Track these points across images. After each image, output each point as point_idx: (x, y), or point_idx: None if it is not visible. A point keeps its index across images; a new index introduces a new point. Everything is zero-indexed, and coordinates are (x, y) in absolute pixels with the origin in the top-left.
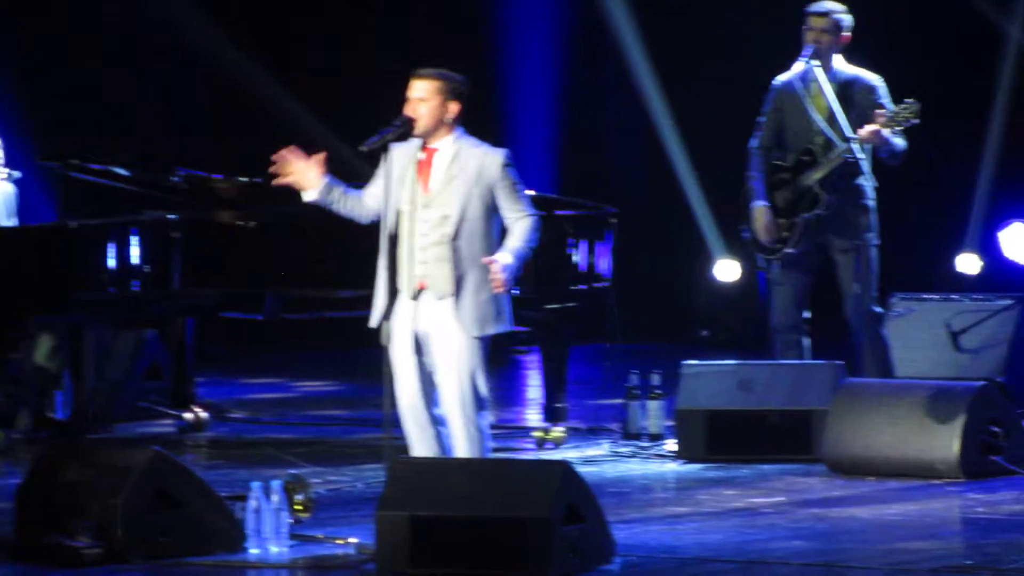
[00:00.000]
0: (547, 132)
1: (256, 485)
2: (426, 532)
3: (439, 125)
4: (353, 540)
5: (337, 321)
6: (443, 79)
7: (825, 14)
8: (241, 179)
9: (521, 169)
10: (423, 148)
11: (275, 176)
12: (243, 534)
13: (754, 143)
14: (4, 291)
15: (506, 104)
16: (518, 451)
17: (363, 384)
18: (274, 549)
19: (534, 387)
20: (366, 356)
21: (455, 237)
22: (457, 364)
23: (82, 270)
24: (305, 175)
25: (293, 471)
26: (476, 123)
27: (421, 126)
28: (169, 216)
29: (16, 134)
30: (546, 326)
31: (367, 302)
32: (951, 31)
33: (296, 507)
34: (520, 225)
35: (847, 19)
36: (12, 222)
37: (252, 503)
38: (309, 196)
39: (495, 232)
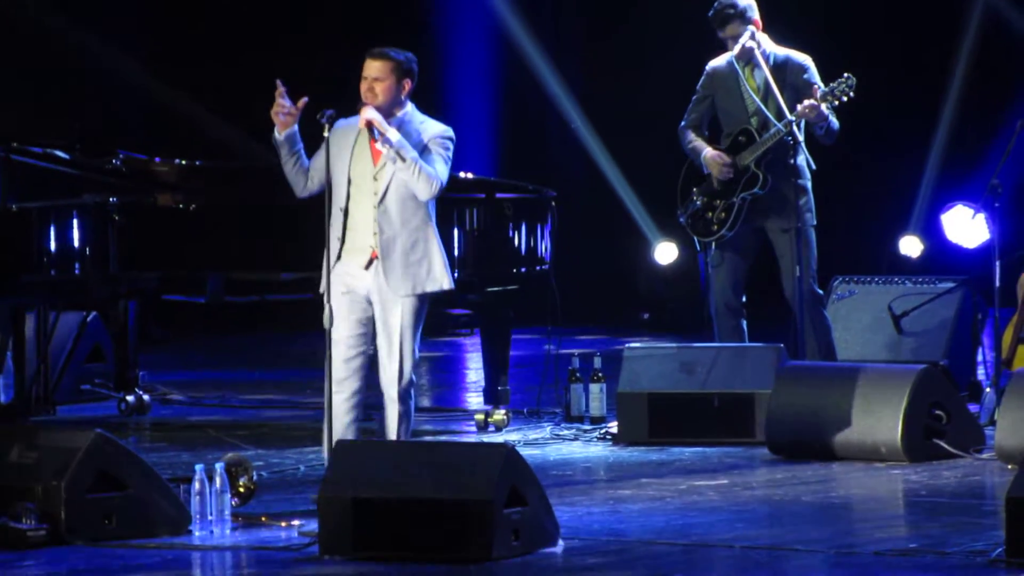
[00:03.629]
0: (487, 115)
1: (199, 468)
2: (368, 515)
3: (395, 103)
4: (296, 522)
5: (278, 304)
6: (397, 58)
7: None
8: (181, 162)
9: (462, 152)
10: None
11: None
12: (187, 516)
13: (683, 124)
14: None
15: (446, 86)
16: (460, 434)
17: (304, 367)
18: (217, 531)
19: (476, 370)
20: (307, 339)
21: (384, 200)
22: (399, 330)
23: (23, 253)
24: (290, 115)
25: (236, 453)
26: (416, 104)
27: (379, 104)
28: (110, 199)
29: None
30: (487, 309)
31: (309, 284)
32: (903, 8)
33: (239, 489)
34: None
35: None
36: None
37: (195, 485)
38: (281, 135)
39: (431, 205)
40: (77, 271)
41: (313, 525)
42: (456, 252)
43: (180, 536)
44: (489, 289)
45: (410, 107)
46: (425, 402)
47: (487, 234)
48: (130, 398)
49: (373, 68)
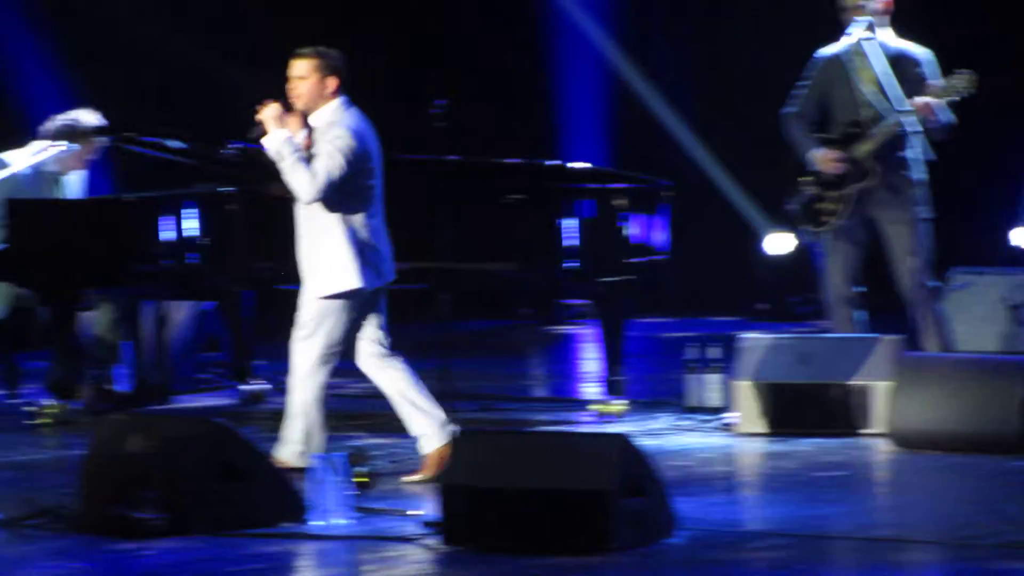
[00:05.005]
0: (601, 106)
1: (319, 457)
2: (488, 505)
3: (318, 100)
4: (416, 512)
5: (390, 292)
6: (319, 56)
7: None
8: None
9: (575, 143)
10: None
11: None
12: (306, 506)
13: (789, 110)
14: (63, 264)
15: (559, 79)
16: (577, 424)
17: (418, 357)
18: (337, 521)
19: (592, 360)
20: (419, 329)
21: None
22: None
23: (139, 243)
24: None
25: (355, 444)
26: (529, 97)
27: (303, 103)
28: (224, 189)
29: (72, 108)
30: (602, 299)
31: (419, 274)
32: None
33: (358, 480)
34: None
35: None
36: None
37: (315, 475)
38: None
39: (349, 198)
40: (194, 261)
41: (432, 515)
42: (570, 243)
43: (299, 526)
44: (604, 279)
45: (335, 104)
46: (541, 392)
47: (601, 225)
48: (247, 387)
49: (296, 67)
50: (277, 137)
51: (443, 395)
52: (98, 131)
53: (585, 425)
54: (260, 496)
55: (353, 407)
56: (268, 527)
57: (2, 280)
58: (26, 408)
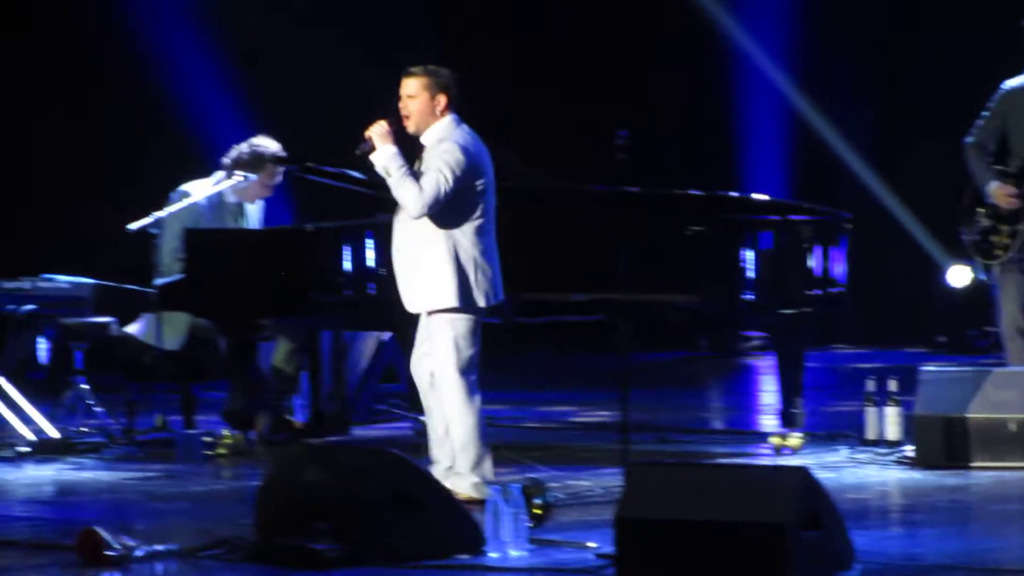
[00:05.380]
0: (781, 138)
1: (495, 489)
2: (665, 537)
3: (428, 118)
4: (592, 544)
5: (570, 325)
6: (428, 75)
7: None
8: None
9: (756, 174)
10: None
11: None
12: (482, 538)
13: (968, 139)
14: (243, 294)
15: (740, 110)
16: (755, 456)
17: (598, 387)
18: (513, 553)
19: (770, 392)
20: (600, 360)
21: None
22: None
23: (319, 273)
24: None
25: (531, 475)
26: (711, 128)
27: (413, 121)
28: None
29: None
30: (781, 331)
31: (600, 306)
32: None
33: (534, 511)
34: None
35: None
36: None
37: (490, 507)
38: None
39: (457, 215)
40: (373, 291)
41: (609, 547)
42: (750, 274)
43: (475, 557)
44: (783, 311)
45: (446, 121)
46: (719, 424)
47: (781, 256)
48: (424, 418)
49: (406, 86)
50: (384, 153)
51: (621, 426)
52: (278, 160)
53: (762, 457)
54: (436, 527)
55: (529, 438)
56: (444, 559)
57: (180, 310)
58: (204, 438)
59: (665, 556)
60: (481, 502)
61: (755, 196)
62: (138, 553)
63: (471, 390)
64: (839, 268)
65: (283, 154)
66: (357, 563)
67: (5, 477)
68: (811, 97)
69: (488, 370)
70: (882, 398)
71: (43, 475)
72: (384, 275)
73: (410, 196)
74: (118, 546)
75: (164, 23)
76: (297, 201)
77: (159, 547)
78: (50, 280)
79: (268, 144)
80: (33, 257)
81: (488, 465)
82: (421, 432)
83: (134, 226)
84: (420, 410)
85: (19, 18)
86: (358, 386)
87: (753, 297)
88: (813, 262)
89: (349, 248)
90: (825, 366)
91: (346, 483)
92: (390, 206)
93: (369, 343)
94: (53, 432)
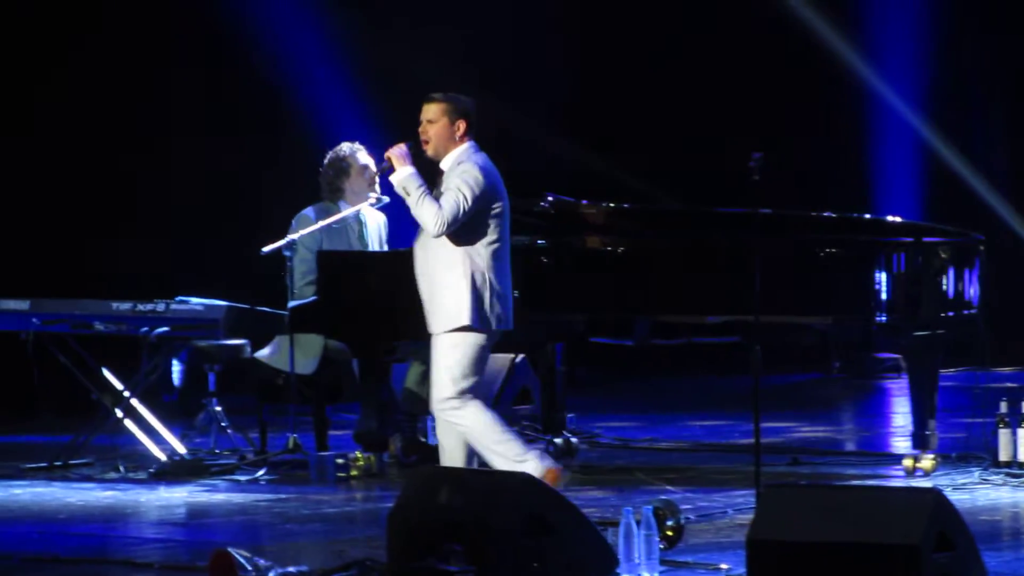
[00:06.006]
0: (913, 160)
1: (627, 511)
2: (797, 559)
3: (448, 143)
4: (724, 566)
5: (705, 347)
6: (448, 101)
7: None
8: (609, 204)
9: (889, 196)
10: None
11: None
12: (614, 560)
13: None
14: (374, 317)
15: (874, 133)
16: (887, 478)
17: (733, 410)
18: (645, 575)
19: (903, 414)
20: (735, 382)
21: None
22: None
23: None
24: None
25: (663, 497)
26: (843, 151)
27: (432, 146)
28: (538, 241)
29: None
30: (914, 353)
31: (734, 328)
32: None
33: (667, 533)
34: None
35: None
36: (383, 249)
37: (623, 529)
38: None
39: (473, 236)
40: None
41: (741, 569)
42: (883, 296)
43: None
44: (916, 333)
45: (465, 147)
46: (851, 446)
47: (915, 278)
48: (558, 440)
49: (426, 111)
50: (403, 173)
51: (754, 448)
52: (365, 167)
53: (895, 479)
54: (569, 550)
55: (662, 460)
56: None
57: (312, 332)
58: (336, 460)
59: None
60: (555, 472)
61: (889, 218)
62: (271, 575)
63: (470, 400)
64: (972, 290)
65: (369, 163)
66: None
67: (138, 499)
68: (943, 120)
69: (621, 391)
70: (1015, 420)
71: (176, 497)
72: (518, 297)
73: (429, 215)
74: (251, 568)
75: (304, 54)
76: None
77: (291, 569)
78: (184, 302)
79: (356, 150)
80: (167, 280)
81: (524, 446)
82: (554, 454)
83: (267, 249)
84: (554, 431)
85: (159, 51)
86: (491, 408)
87: (886, 319)
88: (947, 284)
89: None
90: (958, 387)
91: (479, 505)
92: (524, 229)
93: (502, 364)
94: (186, 454)
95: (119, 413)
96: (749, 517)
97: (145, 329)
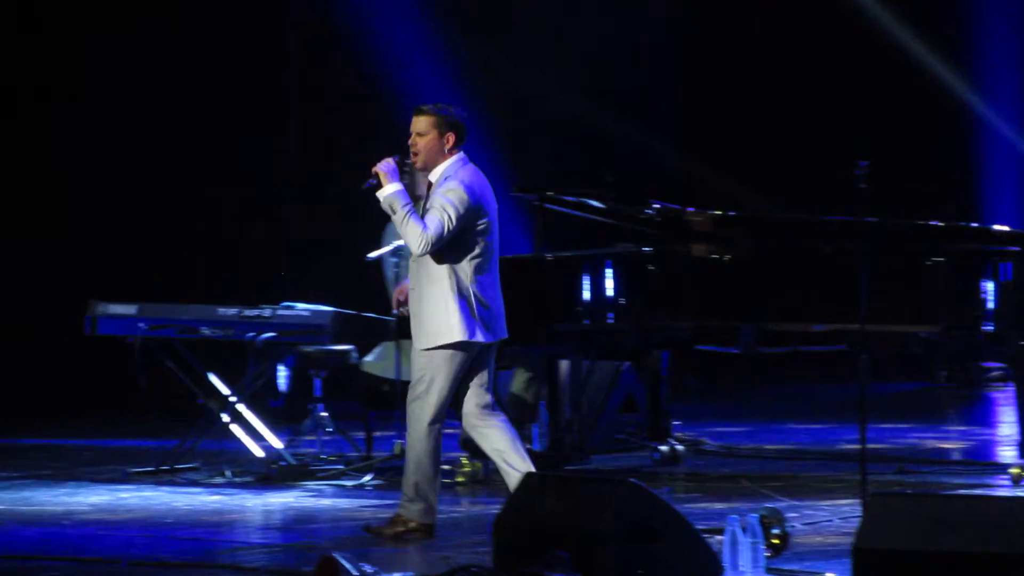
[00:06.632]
0: (1022, 168)
1: (732, 518)
2: (904, 567)
3: (437, 155)
4: (830, 575)
5: (811, 355)
6: (438, 114)
7: None
8: (715, 212)
9: (995, 205)
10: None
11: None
12: (719, 568)
13: None
14: None
15: (981, 142)
16: (994, 488)
17: (839, 419)
18: None
19: (1009, 423)
20: (841, 390)
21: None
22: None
23: (559, 302)
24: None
25: (769, 505)
26: (950, 159)
27: (421, 159)
28: (643, 249)
29: (491, 165)
30: (1020, 362)
31: (840, 336)
32: None
33: (772, 541)
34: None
35: None
36: None
37: (728, 537)
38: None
39: (460, 252)
40: (611, 320)
41: None
42: (990, 305)
43: None
44: (1023, 343)
45: (454, 160)
46: (957, 455)
47: (1022, 287)
48: (663, 448)
49: (416, 123)
50: (389, 190)
51: (860, 456)
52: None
53: (1001, 488)
54: (674, 557)
55: (768, 468)
56: None
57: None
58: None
59: None
60: (428, 528)
61: (996, 227)
62: None
63: (436, 420)
64: None
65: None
66: None
67: (244, 503)
68: None
69: (728, 399)
70: None
71: (281, 502)
72: (623, 304)
73: (413, 235)
74: (356, 573)
75: (403, 60)
76: (537, 230)
77: (397, 575)
78: (290, 308)
79: None
80: (274, 285)
81: (431, 495)
82: (660, 461)
83: (373, 255)
84: (660, 439)
85: (272, 53)
86: (597, 415)
87: (993, 328)
88: None
89: (588, 277)
90: None
91: (585, 513)
92: (630, 236)
93: (608, 372)
94: (292, 459)
95: (225, 418)
96: (855, 526)
97: (251, 334)
